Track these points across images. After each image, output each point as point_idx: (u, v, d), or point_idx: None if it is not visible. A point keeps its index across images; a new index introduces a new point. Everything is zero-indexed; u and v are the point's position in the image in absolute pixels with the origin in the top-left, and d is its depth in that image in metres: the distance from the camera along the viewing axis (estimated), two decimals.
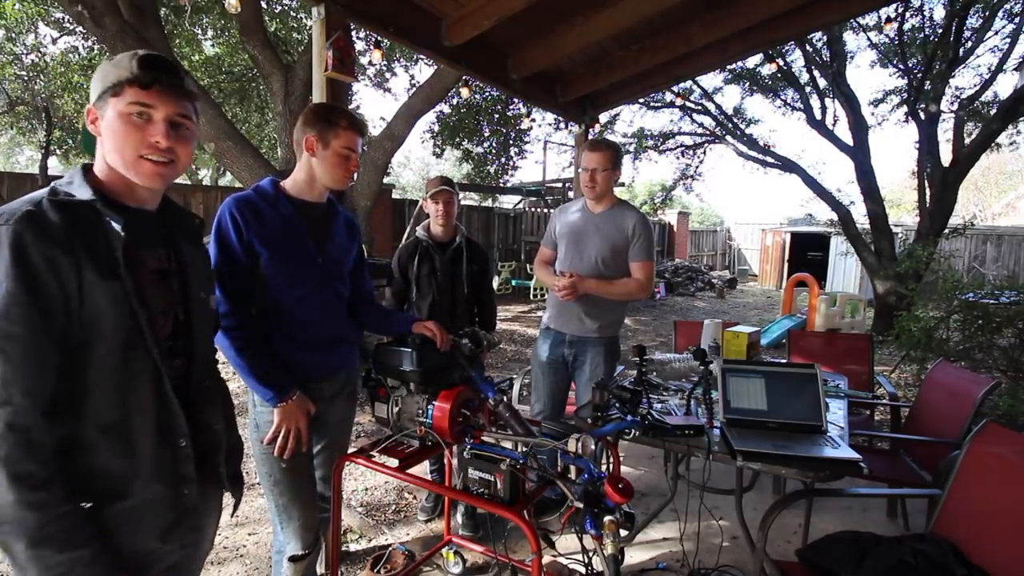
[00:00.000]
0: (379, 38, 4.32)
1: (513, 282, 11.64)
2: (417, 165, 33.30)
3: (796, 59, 8.85)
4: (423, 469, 2.86)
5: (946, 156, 7.33)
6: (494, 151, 11.15)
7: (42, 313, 0.84)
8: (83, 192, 0.93)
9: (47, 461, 0.84)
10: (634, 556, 2.36)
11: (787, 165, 9.15)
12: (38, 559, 0.83)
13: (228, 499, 1.25)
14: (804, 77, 8.65)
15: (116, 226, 0.93)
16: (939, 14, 7.88)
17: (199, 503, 1.07)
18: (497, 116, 10.13)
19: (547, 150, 13.10)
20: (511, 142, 11.14)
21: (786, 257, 15.97)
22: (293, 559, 1.64)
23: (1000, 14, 7.26)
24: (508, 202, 16.02)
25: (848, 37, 8.50)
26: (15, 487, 0.80)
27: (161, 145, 0.96)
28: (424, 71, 13.36)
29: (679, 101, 9.57)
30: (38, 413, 0.84)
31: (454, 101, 9.09)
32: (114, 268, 0.91)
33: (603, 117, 7.36)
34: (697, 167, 11.70)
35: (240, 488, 1.23)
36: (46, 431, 0.85)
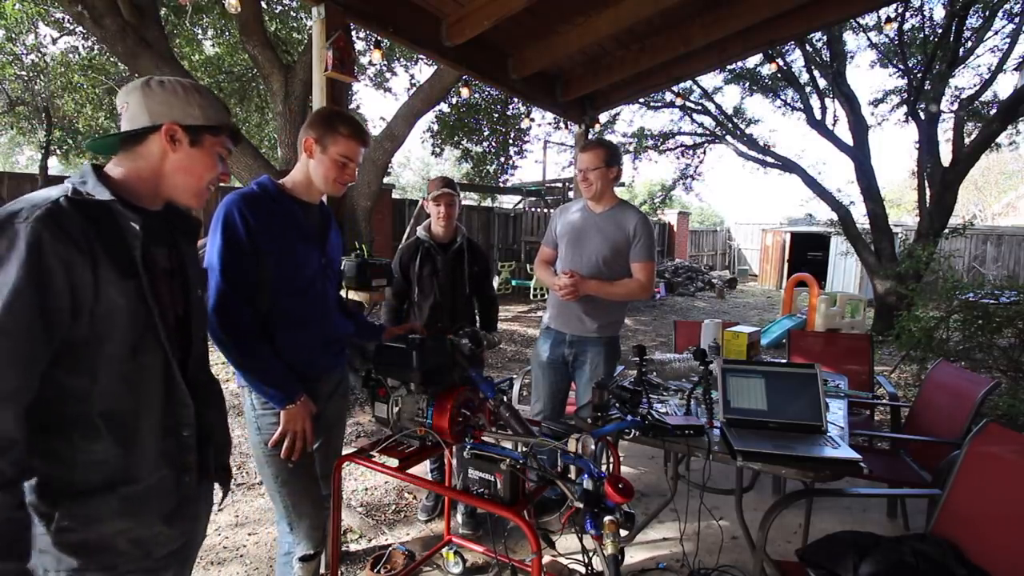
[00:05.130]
0: (379, 38, 4.31)
1: (513, 282, 11.64)
2: (417, 165, 33.34)
3: (796, 59, 8.87)
4: (423, 469, 2.86)
5: (946, 156, 7.33)
6: (494, 150, 11.15)
7: (44, 316, 0.84)
8: (101, 192, 0.95)
9: (16, 462, 0.84)
10: (634, 556, 2.36)
11: (787, 165, 9.15)
12: None
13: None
14: (804, 77, 8.66)
15: (135, 226, 0.96)
16: (939, 14, 7.90)
17: (195, 492, 1.12)
18: (497, 116, 10.13)
19: (547, 150, 13.14)
20: (511, 142, 11.14)
21: (786, 257, 15.97)
22: (304, 559, 1.64)
23: (1000, 14, 7.27)
24: (508, 202, 16.03)
25: (848, 37, 8.50)
26: None
27: (226, 180, 1.16)
28: (424, 71, 13.39)
29: (679, 101, 9.57)
30: (12, 415, 0.83)
31: (454, 101, 9.08)
32: (133, 267, 0.95)
33: (603, 117, 7.35)
34: (697, 167, 11.71)
35: (228, 481, 1.26)
36: (19, 431, 0.84)
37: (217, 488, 1.24)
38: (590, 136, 5.00)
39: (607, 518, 1.18)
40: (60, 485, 0.93)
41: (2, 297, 0.81)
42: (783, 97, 9.49)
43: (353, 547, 2.42)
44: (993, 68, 7.48)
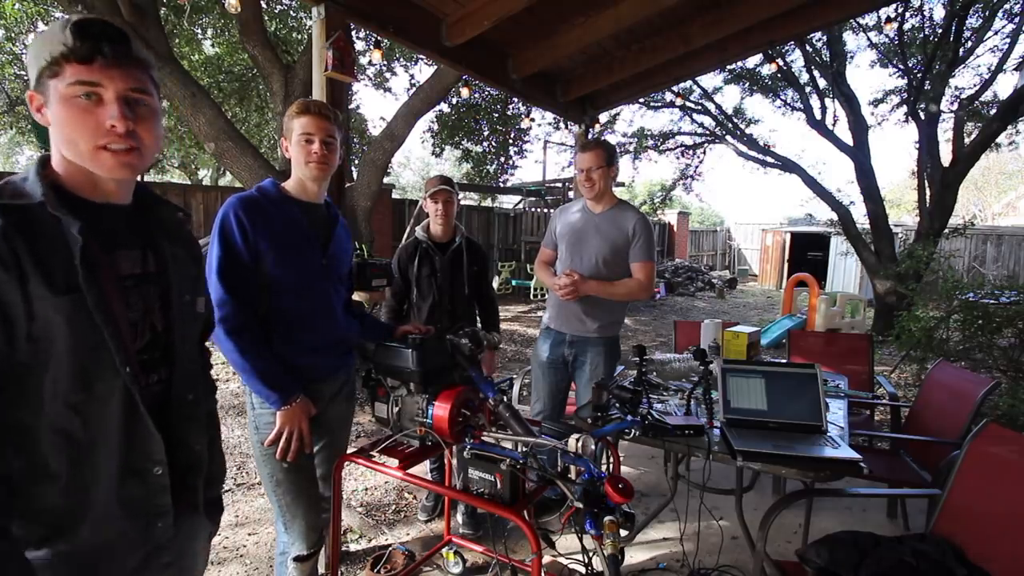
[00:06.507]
0: (379, 38, 4.31)
1: (513, 282, 11.65)
2: (417, 165, 33.34)
3: (796, 59, 8.87)
4: (423, 469, 2.86)
5: (946, 156, 7.33)
6: (494, 150, 11.15)
7: None
8: (34, 191, 0.79)
9: None
10: (634, 556, 2.36)
11: (787, 165, 9.15)
12: None
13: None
14: (804, 77, 8.66)
15: (73, 230, 0.79)
16: (939, 14, 7.90)
17: (174, 536, 0.95)
18: (497, 116, 10.13)
19: (547, 150, 13.13)
20: (511, 142, 11.15)
21: (786, 257, 15.97)
22: (298, 559, 1.64)
23: (1000, 14, 7.27)
24: (508, 202, 16.04)
25: (848, 37, 8.50)
26: None
27: (119, 129, 0.81)
28: (424, 71, 13.39)
29: (679, 101, 9.57)
30: None
31: (454, 101, 9.09)
32: (71, 279, 0.78)
33: (603, 117, 7.36)
34: (697, 167, 11.70)
35: (218, 516, 1.09)
36: None
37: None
38: (590, 136, 5.00)
39: (607, 518, 1.18)
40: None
41: None
42: (783, 97, 9.49)
43: (353, 547, 2.42)
44: (993, 68, 7.49)
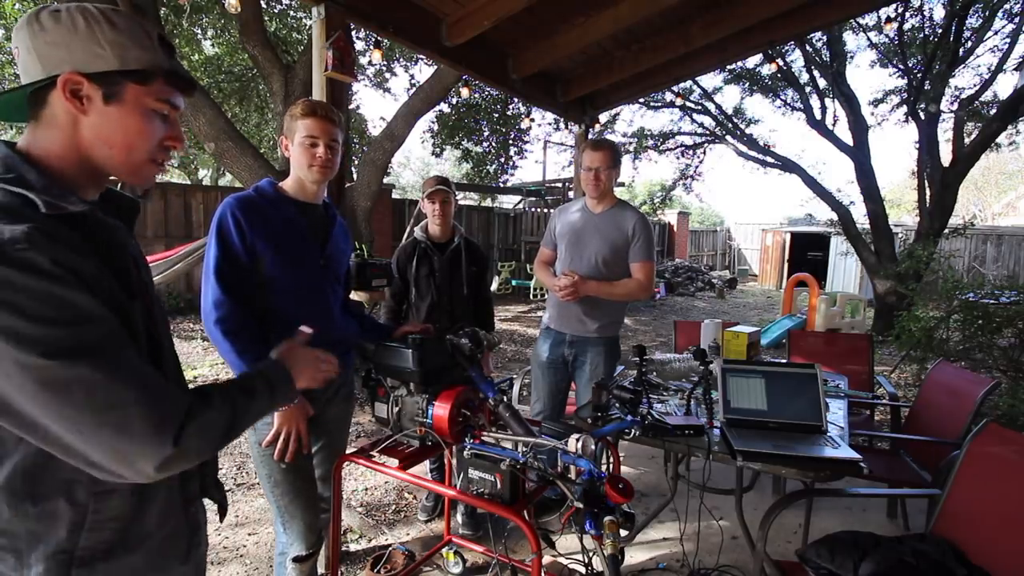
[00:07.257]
0: (379, 38, 4.31)
1: (513, 282, 11.65)
2: (417, 165, 33.34)
3: (796, 59, 8.87)
4: (423, 469, 2.86)
5: (946, 156, 7.33)
6: (494, 150, 11.16)
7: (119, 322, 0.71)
8: (65, 196, 0.72)
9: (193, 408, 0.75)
10: (634, 556, 2.36)
11: (787, 165, 9.15)
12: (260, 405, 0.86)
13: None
14: (804, 77, 8.66)
15: (124, 236, 0.79)
16: (939, 14, 7.91)
17: (202, 518, 1.00)
18: (497, 116, 10.14)
19: (547, 150, 13.15)
20: (511, 142, 11.15)
21: (786, 257, 15.98)
22: (297, 559, 1.64)
23: (1000, 14, 7.27)
24: (508, 202, 16.05)
25: (848, 37, 8.51)
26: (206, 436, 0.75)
27: (178, 146, 0.83)
28: (424, 71, 13.40)
29: (679, 101, 9.57)
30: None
31: (454, 101, 9.10)
32: (132, 288, 0.79)
33: (603, 117, 7.36)
34: (697, 167, 11.71)
35: (223, 494, 1.13)
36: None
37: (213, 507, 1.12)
38: (590, 136, 5.01)
39: (607, 518, 1.18)
40: (68, 554, 0.76)
41: (71, 325, 0.64)
42: (783, 97, 9.49)
43: (353, 547, 2.42)
44: (993, 68, 7.49)
